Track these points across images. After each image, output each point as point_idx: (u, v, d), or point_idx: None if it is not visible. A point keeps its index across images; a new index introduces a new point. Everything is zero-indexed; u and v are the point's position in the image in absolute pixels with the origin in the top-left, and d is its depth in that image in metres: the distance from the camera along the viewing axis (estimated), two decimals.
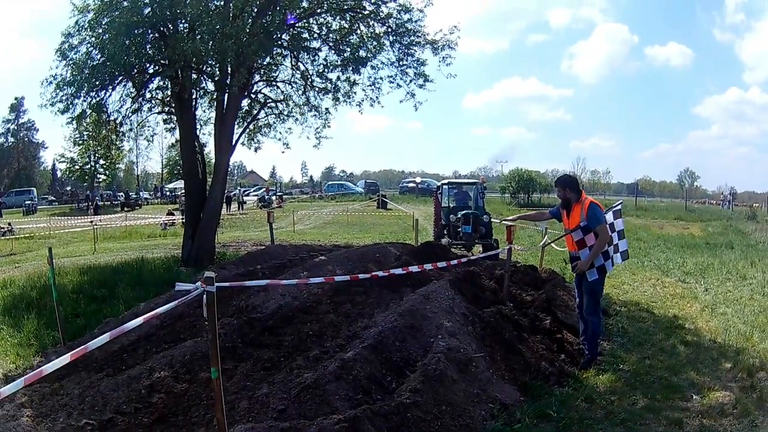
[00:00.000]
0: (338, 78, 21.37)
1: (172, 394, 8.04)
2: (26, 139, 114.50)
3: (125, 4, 17.74)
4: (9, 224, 41.50)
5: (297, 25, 20.01)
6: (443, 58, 20.55)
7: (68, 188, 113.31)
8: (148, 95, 21.74)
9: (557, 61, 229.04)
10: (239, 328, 9.94)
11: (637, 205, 62.77)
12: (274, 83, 22.84)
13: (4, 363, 10.94)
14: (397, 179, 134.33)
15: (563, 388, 8.74)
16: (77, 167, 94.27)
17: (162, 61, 19.25)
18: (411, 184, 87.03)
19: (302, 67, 21.76)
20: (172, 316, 10.81)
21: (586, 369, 9.47)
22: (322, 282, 9.55)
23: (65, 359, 4.93)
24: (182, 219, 35.22)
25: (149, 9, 17.96)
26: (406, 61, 20.65)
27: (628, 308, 14.15)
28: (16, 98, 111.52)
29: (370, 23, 20.21)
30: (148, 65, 20.03)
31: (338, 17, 20.27)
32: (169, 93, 21.37)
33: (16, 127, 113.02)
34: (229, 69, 18.75)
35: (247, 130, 23.51)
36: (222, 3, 18.31)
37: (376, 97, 21.71)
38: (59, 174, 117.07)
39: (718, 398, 8.46)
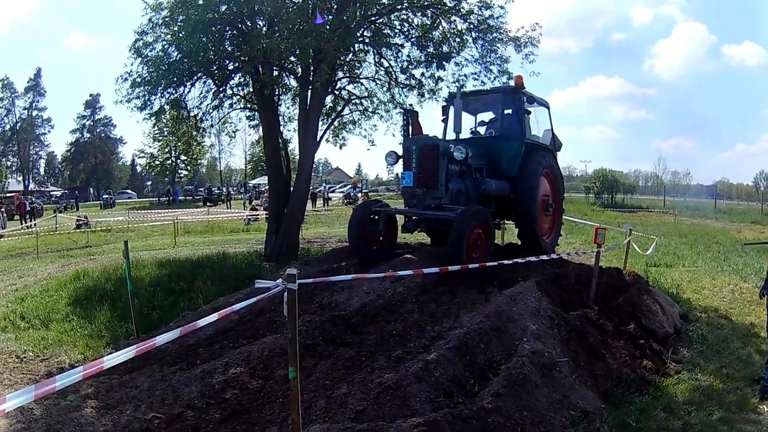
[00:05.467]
0: (422, 74, 21.10)
1: (246, 390, 8.00)
2: (103, 134, 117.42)
3: (200, 1, 17.76)
4: (85, 217, 42.15)
5: (378, 21, 19.83)
6: (526, 55, 19.91)
7: (148, 183, 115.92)
8: (229, 91, 21.81)
9: (640, 59, 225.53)
10: (321, 325, 9.83)
11: (717, 208, 61.65)
12: (357, 80, 22.55)
13: (72, 353, 11.04)
14: None
15: (643, 397, 8.59)
16: (157, 162, 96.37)
17: (241, 58, 19.24)
18: None
19: (386, 64, 21.51)
20: (252, 312, 10.77)
21: (761, 400, 8.94)
22: (410, 275, 9.26)
23: (129, 353, 4.84)
24: (266, 214, 35.27)
25: (225, 6, 17.90)
26: (490, 57, 20.12)
27: (707, 314, 13.98)
28: (91, 95, 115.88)
29: (452, 19, 19.87)
30: (227, 62, 20.02)
31: (419, 13, 19.99)
32: (250, 89, 21.39)
33: (92, 123, 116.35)
34: (311, 65, 18.62)
35: (332, 126, 23.35)
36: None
37: None
38: (139, 169, 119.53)
39: None
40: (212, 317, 5.71)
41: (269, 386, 7.99)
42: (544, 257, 11.97)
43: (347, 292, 11.23)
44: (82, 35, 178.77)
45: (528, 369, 7.50)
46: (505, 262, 10.29)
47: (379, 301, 10.92)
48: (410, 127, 15.81)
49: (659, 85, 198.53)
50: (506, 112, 16.08)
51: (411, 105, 20.60)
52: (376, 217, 14.62)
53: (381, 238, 14.81)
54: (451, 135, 15.44)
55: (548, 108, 17.12)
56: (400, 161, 14.47)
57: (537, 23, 19.70)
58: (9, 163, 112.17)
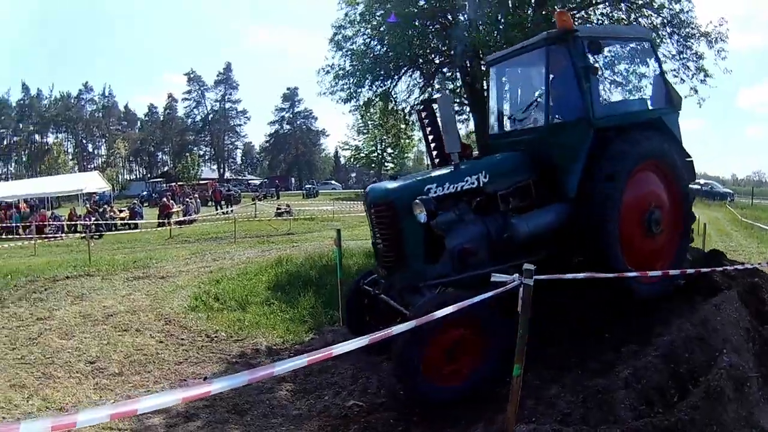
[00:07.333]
0: (627, 70, 20.66)
1: None
2: (304, 126, 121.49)
3: None
4: (287, 205, 43.53)
5: (577, 15, 19.51)
6: (718, 51, 19.30)
7: (353, 174, 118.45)
8: (437, 85, 21.77)
9: None
10: (538, 323, 9.53)
11: None
12: None
13: (270, 336, 11.33)
14: None
15: None
16: (363, 155, 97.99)
17: (448, 52, 19.32)
18: (695, 186, 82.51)
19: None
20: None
21: None
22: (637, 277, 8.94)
23: (362, 341, 4.88)
24: None
25: (424, 1, 18.30)
26: (686, 54, 19.59)
27: None
28: (288, 88, 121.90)
29: (647, 13, 19.49)
30: (433, 56, 20.25)
31: (615, 8, 19.72)
32: (459, 83, 21.33)
33: (291, 116, 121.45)
34: None
35: None
36: None
37: None
38: (342, 161, 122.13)
39: None
40: (447, 310, 5.85)
41: None
42: (749, 265, 11.39)
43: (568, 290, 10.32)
44: (265, 30, 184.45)
45: (725, 382, 7.20)
46: (703, 270, 9.89)
47: (599, 302, 10.37)
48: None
49: None
50: (552, 78, 9.27)
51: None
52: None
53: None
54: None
55: (650, 42, 10.54)
56: None
57: (723, 18, 19.07)
58: (201, 152, 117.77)
